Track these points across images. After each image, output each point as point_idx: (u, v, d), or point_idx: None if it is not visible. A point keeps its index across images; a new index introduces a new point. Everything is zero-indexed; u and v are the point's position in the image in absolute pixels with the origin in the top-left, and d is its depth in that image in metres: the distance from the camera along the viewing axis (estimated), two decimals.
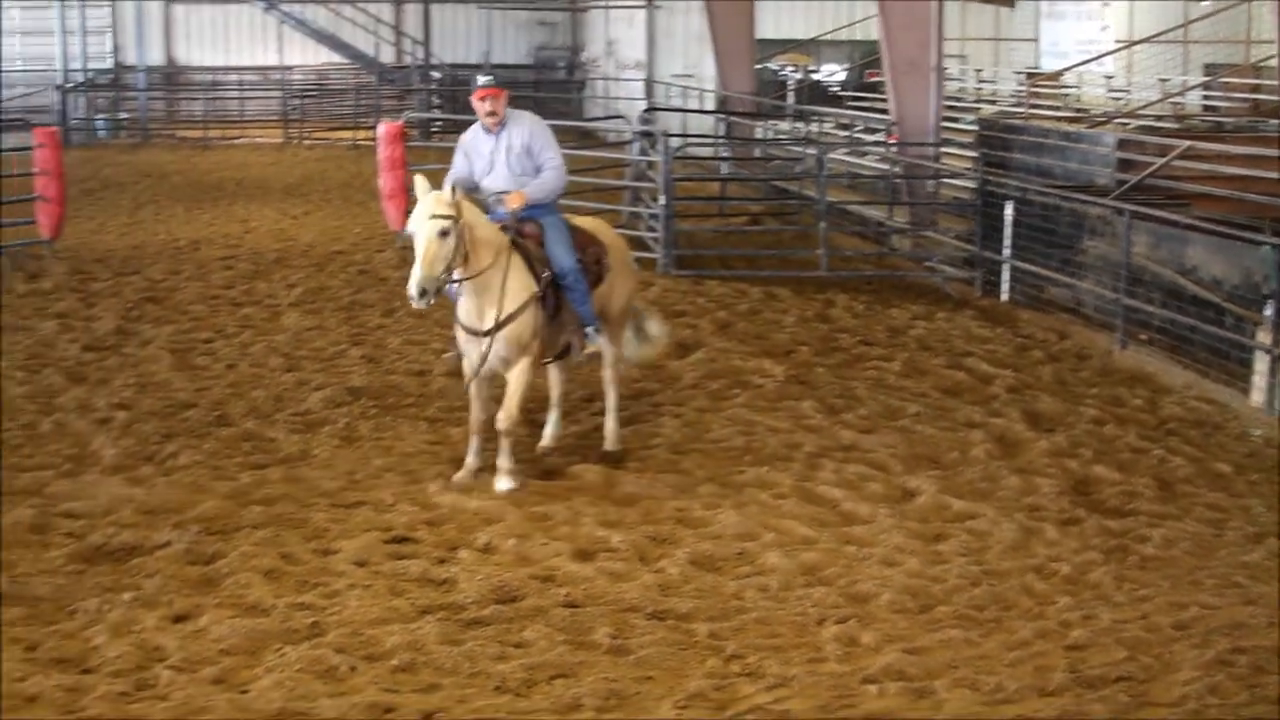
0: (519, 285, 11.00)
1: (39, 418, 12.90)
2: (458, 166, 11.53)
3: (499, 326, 10.93)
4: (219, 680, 8.01)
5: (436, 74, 44.48)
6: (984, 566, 9.78)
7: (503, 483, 11.02)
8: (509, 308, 10.92)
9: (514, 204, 11.26)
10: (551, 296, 11.21)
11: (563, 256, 11.25)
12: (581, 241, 11.51)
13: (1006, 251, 18.54)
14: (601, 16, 45.65)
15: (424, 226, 10.47)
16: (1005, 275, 18.67)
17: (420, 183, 10.74)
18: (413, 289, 10.41)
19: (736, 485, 11.31)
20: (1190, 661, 8.17)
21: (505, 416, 11.07)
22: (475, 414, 11.33)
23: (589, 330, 11.49)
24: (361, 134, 38.82)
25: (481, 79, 11.57)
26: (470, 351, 11.16)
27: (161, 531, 10.20)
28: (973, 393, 14.23)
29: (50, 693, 7.83)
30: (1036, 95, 35.85)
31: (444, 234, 10.45)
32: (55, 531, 10.26)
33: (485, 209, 11.27)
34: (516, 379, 11.15)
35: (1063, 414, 13.50)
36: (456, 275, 10.73)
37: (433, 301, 10.61)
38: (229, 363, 14.98)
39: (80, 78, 44.48)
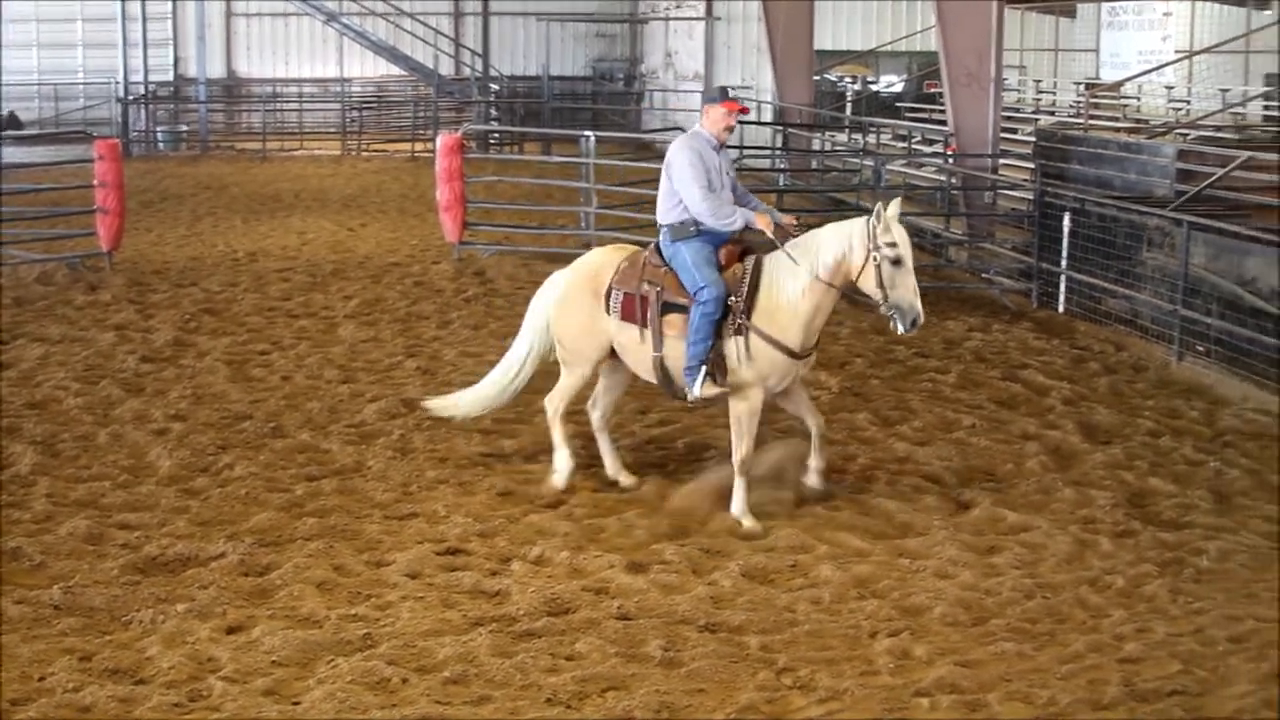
0: None
1: (96, 429, 12.98)
2: (699, 179, 10.95)
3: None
4: (271, 691, 8.06)
5: (495, 86, 44.59)
6: (1038, 579, 9.72)
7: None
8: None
9: (771, 227, 11.08)
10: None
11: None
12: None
13: (1064, 263, 18.43)
14: (660, 28, 45.70)
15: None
16: (1062, 287, 18.55)
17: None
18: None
19: (790, 498, 11.28)
20: (1245, 675, 8.11)
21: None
22: None
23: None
24: (420, 146, 38.98)
25: (732, 92, 11.42)
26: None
27: (216, 543, 10.26)
28: (1028, 405, 14.15)
29: (104, 703, 7.90)
30: (1096, 106, 35.67)
31: (872, 259, 10.51)
32: (111, 542, 10.34)
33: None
34: None
35: (1119, 426, 13.41)
36: None
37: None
38: (285, 374, 15.04)
39: (141, 90, 44.82)
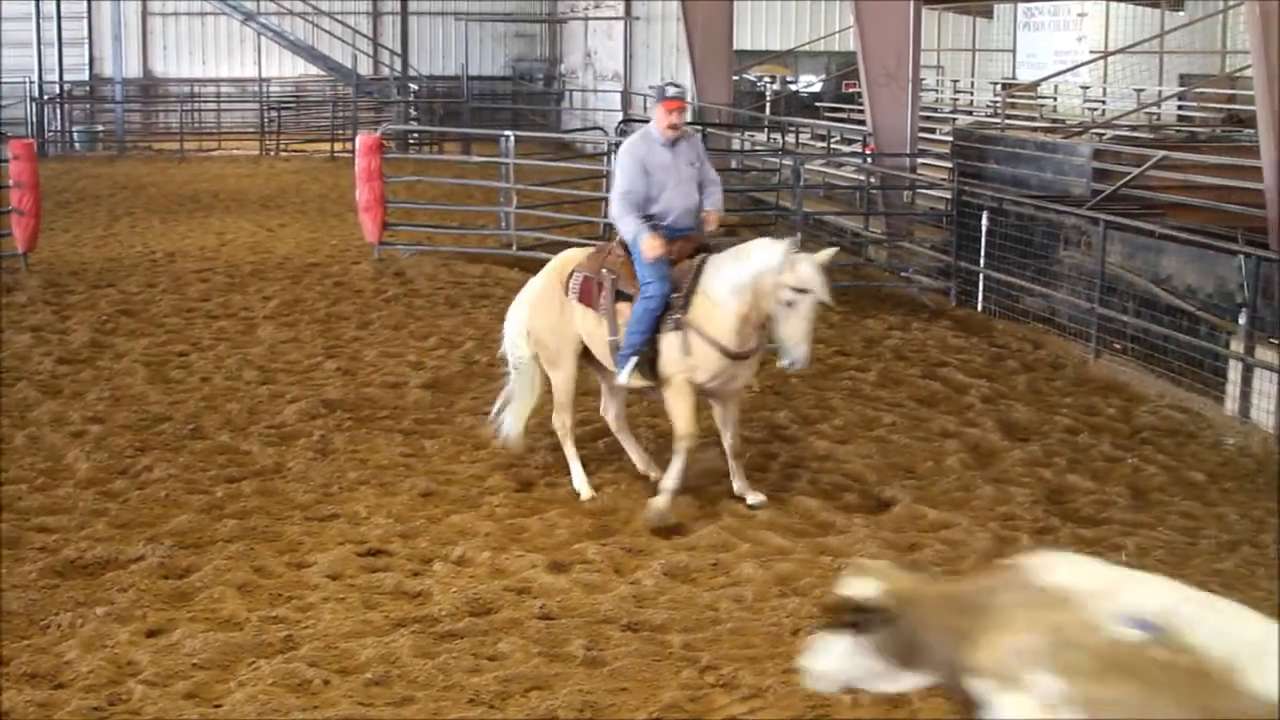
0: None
1: (12, 431, 12.85)
2: (635, 181, 11.08)
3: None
4: (192, 695, 8.01)
5: (414, 86, 44.42)
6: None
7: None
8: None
9: (714, 225, 11.30)
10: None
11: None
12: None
13: (982, 261, 18.56)
14: (580, 28, 45.68)
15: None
16: (980, 285, 18.69)
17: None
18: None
19: (711, 495, 11.31)
20: None
21: None
22: None
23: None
24: (339, 146, 38.81)
25: (671, 90, 11.30)
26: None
27: (135, 545, 10.17)
28: (948, 402, 14.25)
29: (22, 708, 7.82)
30: (1012, 105, 35.90)
31: (784, 304, 10.48)
32: (28, 546, 10.22)
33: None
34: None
35: (1037, 423, 13.52)
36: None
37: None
38: (204, 375, 14.94)
39: (56, 90, 44.35)
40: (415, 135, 37.31)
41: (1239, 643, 5.12)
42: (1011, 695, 5.41)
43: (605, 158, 24.03)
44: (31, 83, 43.89)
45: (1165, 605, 5.29)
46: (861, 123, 24.60)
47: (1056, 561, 5.74)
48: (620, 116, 35.59)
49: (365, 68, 46.16)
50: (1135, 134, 26.20)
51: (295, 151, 40.44)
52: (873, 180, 22.76)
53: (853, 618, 5.83)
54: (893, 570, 6.18)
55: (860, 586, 5.84)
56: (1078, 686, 5.26)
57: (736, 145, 30.36)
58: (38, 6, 44.44)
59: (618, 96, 41.12)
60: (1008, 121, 28.44)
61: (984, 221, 18.56)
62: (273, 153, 40.43)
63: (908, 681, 5.95)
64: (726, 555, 10.10)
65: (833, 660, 5.97)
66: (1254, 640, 5.14)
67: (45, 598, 9.34)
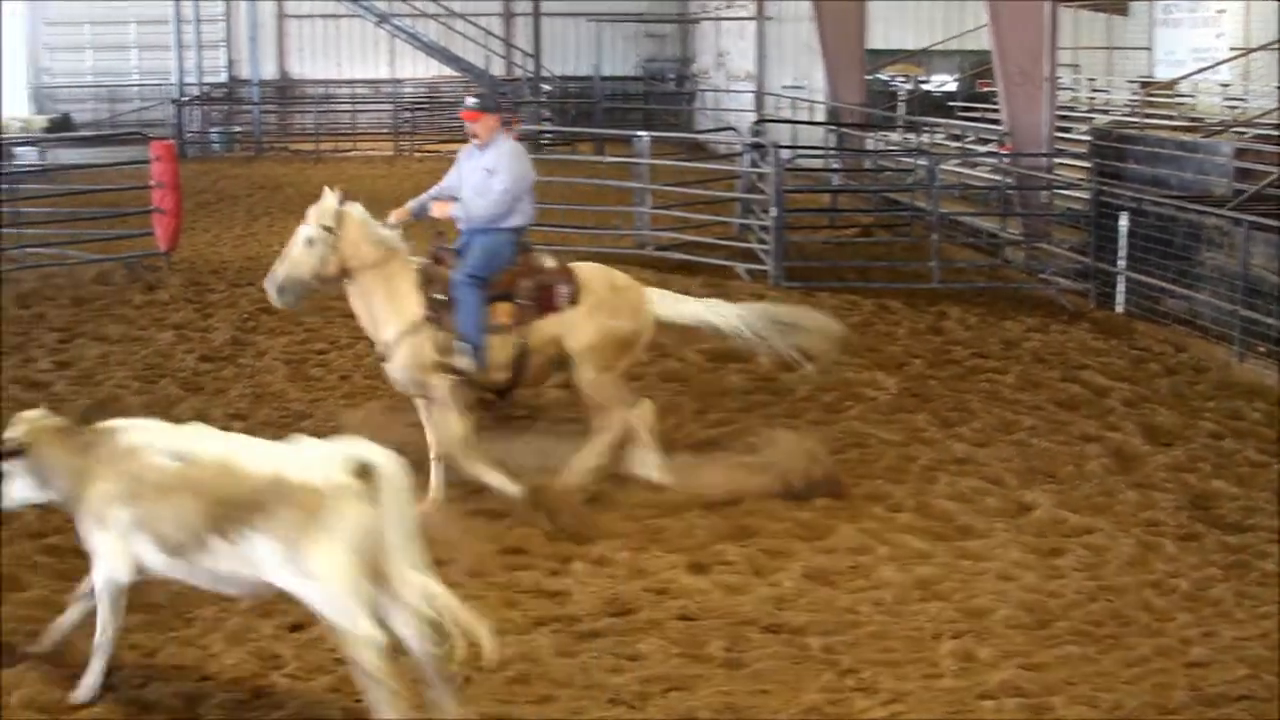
0: (401, 307, 11.31)
1: None
2: (449, 177, 11.93)
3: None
4: (335, 689, 8.09)
5: (546, 86, 44.61)
6: (1101, 582, 9.68)
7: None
8: (387, 331, 11.34)
9: (437, 212, 11.81)
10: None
11: (459, 268, 11.40)
12: (529, 269, 11.52)
13: (1122, 263, 18.31)
14: (712, 28, 45.63)
15: (298, 232, 11.21)
16: (1120, 287, 18.43)
17: (326, 192, 11.25)
18: (269, 284, 11.33)
19: (850, 497, 11.26)
20: None
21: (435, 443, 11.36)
22: None
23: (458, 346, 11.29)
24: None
25: (469, 101, 11.93)
26: None
27: None
28: (1089, 406, 14.06)
29: (169, 699, 7.95)
30: (1151, 104, 35.44)
31: (310, 242, 11.11)
32: None
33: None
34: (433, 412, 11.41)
35: (1180, 428, 13.31)
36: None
37: (294, 303, 11.51)
38: (343, 374, 15.08)
39: (195, 91, 45.06)
40: (548, 135, 37.42)
41: (263, 449, 7.58)
42: (100, 531, 7.60)
43: (738, 158, 24.02)
44: (171, 85, 44.61)
45: (233, 443, 7.77)
46: (997, 122, 24.36)
47: (135, 425, 7.86)
48: (754, 117, 35.53)
49: (498, 69, 46.41)
50: (1278, 132, 25.73)
51: (429, 152, 40.70)
52: (1009, 181, 22.53)
53: (7, 449, 7.80)
54: (45, 416, 8.00)
55: (14, 427, 7.85)
56: (140, 512, 7.44)
57: (870, 145, 30.20)
58: (177, 10, 45.16)
59: (750, 97, 41.00)
60: (1146, 120, 28.09)
61: (1123, 222, 18.29)
62: (406, 153, 40.74)
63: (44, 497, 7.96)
64: (866, 558, 10.06)
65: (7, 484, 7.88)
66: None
67: (190, 591, 9.43)
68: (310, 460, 7.34)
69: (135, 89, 46.46)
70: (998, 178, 23.61)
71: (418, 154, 40.58)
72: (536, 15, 46.01)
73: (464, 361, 11.26)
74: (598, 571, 9.78)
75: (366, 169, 36.90)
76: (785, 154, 22.45)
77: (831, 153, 29.95)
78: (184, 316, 17.81)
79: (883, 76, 41.48)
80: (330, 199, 11.20)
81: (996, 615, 9.09)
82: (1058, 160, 22.88)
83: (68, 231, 21.96)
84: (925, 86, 42.89)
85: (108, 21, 46.89)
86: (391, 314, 11.31)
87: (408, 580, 7.19)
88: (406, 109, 44.58)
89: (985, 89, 37.43)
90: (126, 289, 19.23)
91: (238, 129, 44.26)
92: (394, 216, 11.65)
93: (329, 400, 14.05)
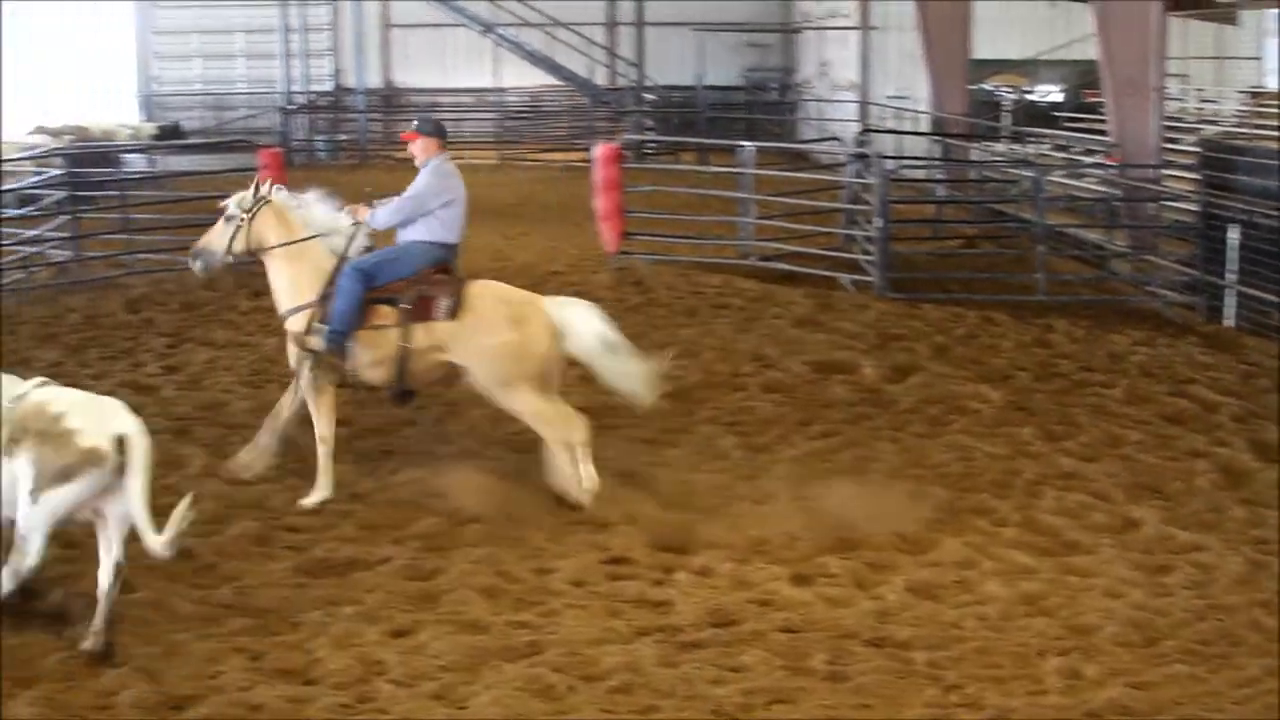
0: (297, 288, 12.07)
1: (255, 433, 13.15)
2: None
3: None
4: (438, 696, 8.15)
5: (650, 96, 44.64)
6: (1210, 600, 9.55)
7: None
8: (281, 307, 12.19)
9: (357, 215, 12.33)
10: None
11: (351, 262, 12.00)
12: (423, 280, 11.91)
13: (1231, 276, 18.08)
14: (815, 37, 45.49)
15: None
16: (1229, 301, 18.20)
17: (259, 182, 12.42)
18: (191, 252, 12.55)
19: (954, 511, 11.19)
20: None
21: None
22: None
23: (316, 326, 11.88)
24: (575, 156, 39.12)
25: (412, 124, 12.95)
26: None
27: (382, 547, 10.39)
28: (1196, 421, 13.88)
29: (274, 702, 8.04)
30: (1260, 115, 34.96)
31: (227, 220, 12.24)
32: (278, 544, 10.51)
33: None
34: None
35: None
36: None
37: (205, 270, 12.53)
38: None
39: (302, 100, 45.48)
40: (651, 145, 37.46)
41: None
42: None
43: (842, 169, 23.93)
44: (277, 93, 45.06)
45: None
46: (1104, 133, 24.13)
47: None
48: (857, 127, 35.39)
49: (602, 78, 46.51)
50: None
51: (533, 161, 40.86)
52: (1116, 192, 22.31)
53: None
54: None
55: None
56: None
57: (975, 156, 30.00)
58: (284, 19, 45.65)
59: (853, 107, 40.84)
60: (1256, 131, 27.72)
61: (1233, 235, 18.06)
62: (510, 162, 40.90)
63: None
64: (970, 572, 9.98)
65: None
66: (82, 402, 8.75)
67: (296, 595, 9.58)
68: (87, 414, 8.63)
69: (242, 97, 46.92)
70: (1104, 189, 23.38)
71: (521, 163, 40.70)
72: (640, 24, 46.11)
73: (317, 341, 11.83)
74: (701, 582, 9.77)
75: (471, 177, 36.75)
76: (889, 164, 22.35)
77: (936, 163, 29.78)
78: None
79: (987, 86, 41.23)
80: (260, 189, 12.28)
81: (1103, 632, 9.00)
82: (1166, 172, 22.62)
83: (177, 238, 22.20)
84: (1030, 97, 42.57)
85: (216, 31, 47.40)
86: (287, 293, 12.12)
87: (118, 530, 8.65)
88: (510, 118, 44.75)
89: (1092, 99, 37.11)
90: (233, 295, 19.39)
91: (343, 137, 44.64)
92: (352, 211, 12.39)
93: (432, 407, 14.08)
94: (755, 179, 22.41)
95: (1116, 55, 21.62)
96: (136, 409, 12.93)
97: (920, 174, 29.89)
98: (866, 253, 20.66)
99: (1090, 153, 27.63)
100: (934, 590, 9.70)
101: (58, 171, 23.08)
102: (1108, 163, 23.22)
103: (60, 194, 22.13)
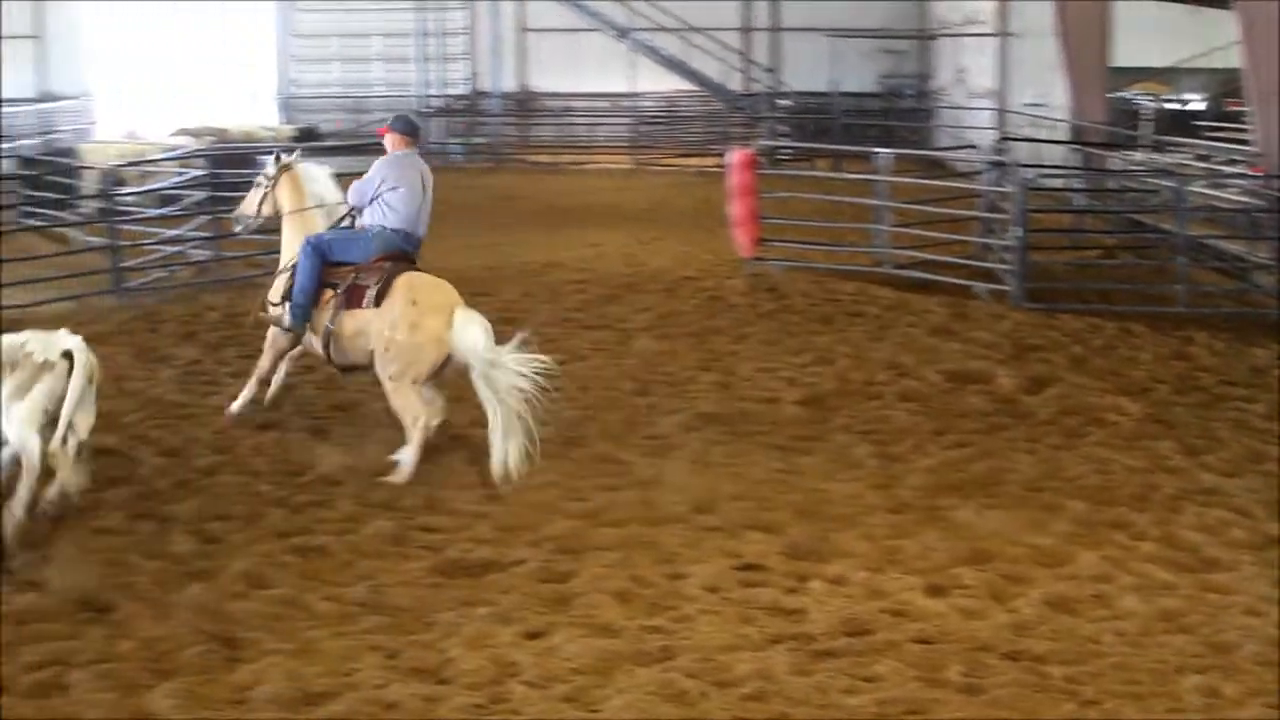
0: (290, 251, 13.30)
1: (397, 432, 13.20)
2: None
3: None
4: (571, 699, 8.17)
5: (784, 101, 44.54)
6: None
7: None
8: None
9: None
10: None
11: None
12: (364, 268, 12.78)
13: None
14: (951, 44, 45.16)
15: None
16: None
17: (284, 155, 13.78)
18: (233, 216, 14.49)
19: (1092, 524, 11.06)
20: None
21: None
22: None
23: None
24: (709, 161, 39.10)
25: (388, 120, 13.73)
26: None
27: (516, 549, 10.44)
28: None
29: (408, 700, 8.10)
30: None
31: (256, 187, 13.79)
32: (413, 544, 10.59)
33: None
34: None
35: None
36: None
37: (245, 231, 14.68)
38: (582, 385, 15.19)
39: (438, 103, 45.87)
40: (786, 151, 37.36)
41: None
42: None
43: (979, 177, 23.74)
44: (413, 97, 45.48)
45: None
46: (1246, 143, 23.76)
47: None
48: (993, 134, 35.07)
49: (736, 83, 46.48)
50: None
51: (667, 166, 40.90)
52: (1259, 203, 21.94)
53: None
54: None
55: None
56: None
57: (1114, 165, 29.62)
58: (421, 24, 46.08)
59: (989, 114, 40.47)
60: None
61: None
62: (644, 167, 40.99)
63: None
64: (1108, 587, 9.85)
65: None
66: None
67: (430, 595, 9.65)
68: (38, 343, 10.47)
69: (379, 100, 47.40)
70: (1247, 200, 23.01)
71: (655, 167, 40.78)
72: (775, 30, 46.02)
73: (275, 311, 13.14)
74: (835, 591, 9.72)
75: (605, 181, 37.21)
76: (1027, 173, 22.12)
77: (1074, 172, 29.44)
78: None
79: (1126, 95, 40.73)
80: (281, 158, 13.74)
81: (1243, 651, 8.84)
82: None
83: None
84: (1171, 105, 42.02)
85: (354, 34, 47.97)
86: (283, 254, 13.43)
87: (77, 428, 10.46)
88: (645, 122, 44.84)
89: (1234, 108, 36.55)
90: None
91: (478, 140, 44.94)
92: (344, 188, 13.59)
93: (566, 410, 14.13)
94: (890, 186, 22.29)
95: (1261, 63, 21.26)
96: (278, 407, 13.39)
97: (1058, 183, 29.54)
98: (1003, 262, 20.47)
99: (1233, 163, 27.23)
100: (1071, 604, 9.57)
101: (199, 172, 23.47)
102: (1251, 173, 22.86)
103: (201, 194, 22.51)
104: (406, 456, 12.12)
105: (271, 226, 14.11)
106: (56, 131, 43.27)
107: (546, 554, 10.34)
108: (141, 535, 10.72)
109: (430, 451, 12.42)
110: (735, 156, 22.30)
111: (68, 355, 10.43)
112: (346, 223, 13.29)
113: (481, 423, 13.19)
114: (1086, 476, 12.25)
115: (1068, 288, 20.56)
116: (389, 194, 12.90)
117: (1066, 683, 8.38)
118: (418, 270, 12.93)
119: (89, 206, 24.47)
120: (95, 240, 21.44)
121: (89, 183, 25.77)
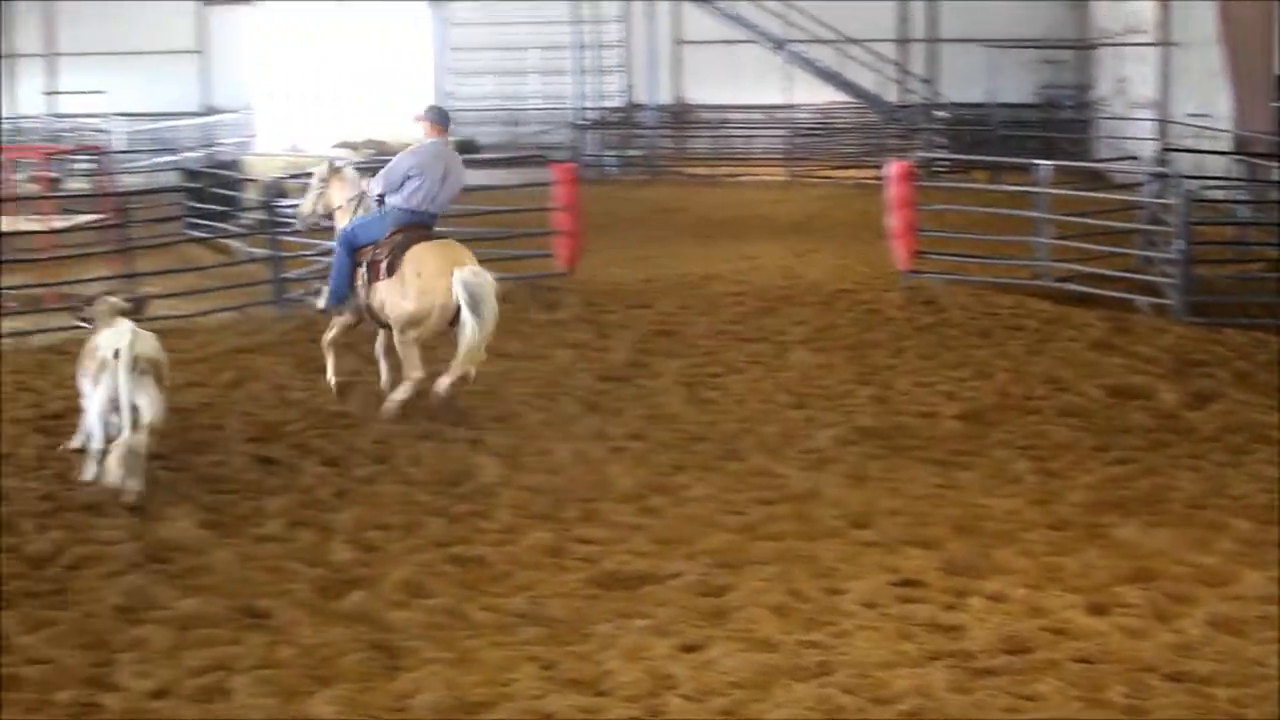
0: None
1: (556, 444, 13.36)
2: None
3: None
4: (728, 712, 8.16)
5: (941, 113, 44.25)
6: None
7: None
8: None
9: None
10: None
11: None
12: (382, 244, 14.48)
13: None
14: (1112, 54, 44.57)
15: None
16: None
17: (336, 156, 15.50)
18: (294, 214, 16.81)
19: (1257, 544, 10.84)
20: None
21: None
22: None
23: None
24: (865, 173, 38.92)
25: (422, 109, 15.57)
26: None
27: (673, 562, 10.45)
28: None
29: (566, 711, 8.14)
30: None
31: (311, 188, 15.47)
32: (571, 556, 10.65)
33: None
34: None
35: None
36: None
37: (304, 226, 16.29)
38: (738, 398, 15.19)
39: (594, 116, 46.13)
40: (943, 163, 37.12)
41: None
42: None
43: (1140, 189, 23.39)
44: (570, 109, 45.79)
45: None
46: None
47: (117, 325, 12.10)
48: (1155, 145, 34.56)
49: (892, 94, 46.25)
50: None
51: (822, 178, 40.77)
52: None
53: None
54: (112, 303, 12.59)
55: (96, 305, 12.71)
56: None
57: (1277, 176, 29.06)
58: (577, 37, 46.40)
59: (1150, 125, 39.89)
60: None
61: None
62: (800, 179, 40.90)
63: None
64: (1275, 608, 9.62)
65: None
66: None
67: (587, 607, 9.70)
68: (104, 341, 11.87)
69: (535, 113, 47.80)
70: None
71: (812, 180, 40.66)
72: (932, 40, 45.75)
73: (320, 299, 15.43)
74: (994, 608, 9.62)
75: (761, 194, 37.18)
76: (1190, 184, 21.77)
77: (1239, 184, 28.91)
78: (582, 336, 18.18)
79: None
80: (333, 162, 15.56)
81: None
82: None
83: (487, 250, 22.56)
84: None
85: (510, 48, 48.45)
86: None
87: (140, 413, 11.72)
88: (801, 134, 44.77)
89: None
90: (527, 307, 19.72)
91: (634, 153, 45.11)
92: None
93: (724, 423, 14.18)
94: (1050, 198, 22.04)
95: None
96: (433, 418, 13.58)
97: (1222, 195, 29.03)
98: (1165, 275, 20.15)
99: None
100: (1236, 625, 9.39)
101: None
102: None
103: None
104: (396, 397, 14.27)
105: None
106: (219, 144, 44.28)
107: (704, 567, 10.34)
108: (302, 543, 10.91)
109: (588, 462, 12.50)
110: (892, 168, 22.19)
111: (117, 353, 11.74)
112: (375, 207, 14.79)
113: (639, 435, 13.34)
114: (1252, 495, 12.00)
115: (1231, 302, 20.18)
116: (415, 178, 14.43)
117: (1232, 705, 8.22)
118: (429, 239, 14.43)
119: (251, 218, 24.90)
120: (257, 251, 21.85)
121: (251, 195, 26.29)
